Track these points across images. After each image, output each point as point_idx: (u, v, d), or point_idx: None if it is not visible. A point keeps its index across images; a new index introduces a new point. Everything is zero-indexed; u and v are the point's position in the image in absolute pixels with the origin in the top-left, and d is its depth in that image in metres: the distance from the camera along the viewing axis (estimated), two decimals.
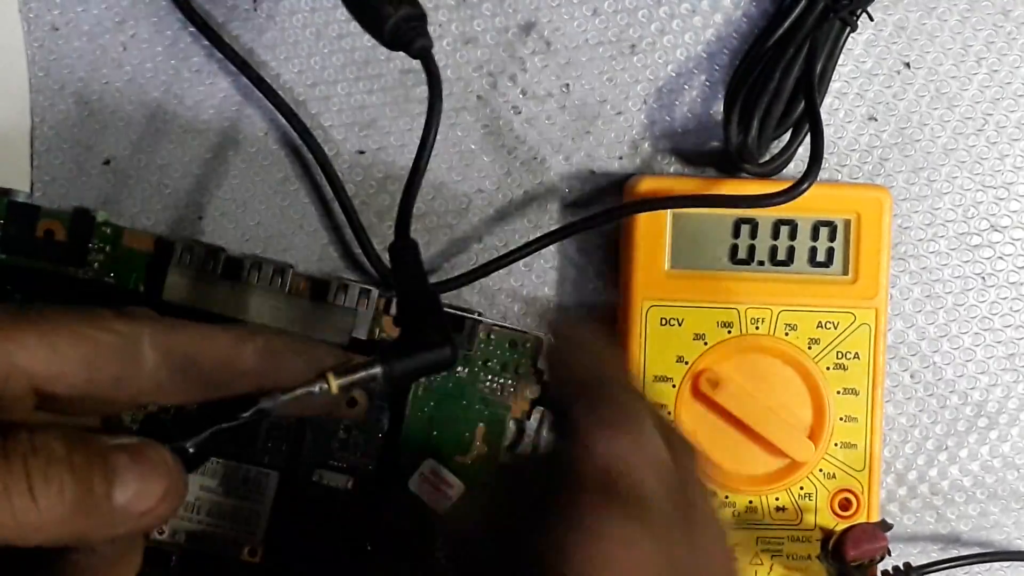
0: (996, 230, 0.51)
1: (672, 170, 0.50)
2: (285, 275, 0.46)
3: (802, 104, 0.47)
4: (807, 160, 0.45)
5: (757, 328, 0.48)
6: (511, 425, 0.48)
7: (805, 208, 0.48)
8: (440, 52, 0.50)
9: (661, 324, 0.48)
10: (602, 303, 0.50)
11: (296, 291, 0.46)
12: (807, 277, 0.48)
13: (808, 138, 0.47)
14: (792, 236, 0.48)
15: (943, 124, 0.50)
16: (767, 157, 0.48)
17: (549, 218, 0.50)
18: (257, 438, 0.46)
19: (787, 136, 0.48)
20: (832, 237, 0.48)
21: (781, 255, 0.48)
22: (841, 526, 0.47)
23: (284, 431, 0.46)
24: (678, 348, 0.48)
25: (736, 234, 0.48)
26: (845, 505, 0.48)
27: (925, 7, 0.50)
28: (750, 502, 0.48)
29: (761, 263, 0.48)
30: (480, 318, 0.47)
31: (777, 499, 0.48)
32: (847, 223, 0.48)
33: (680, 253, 0.48)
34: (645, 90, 0.50)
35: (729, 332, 0.48)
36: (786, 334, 0.48)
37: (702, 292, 0.48)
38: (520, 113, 0.50)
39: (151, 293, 0.46)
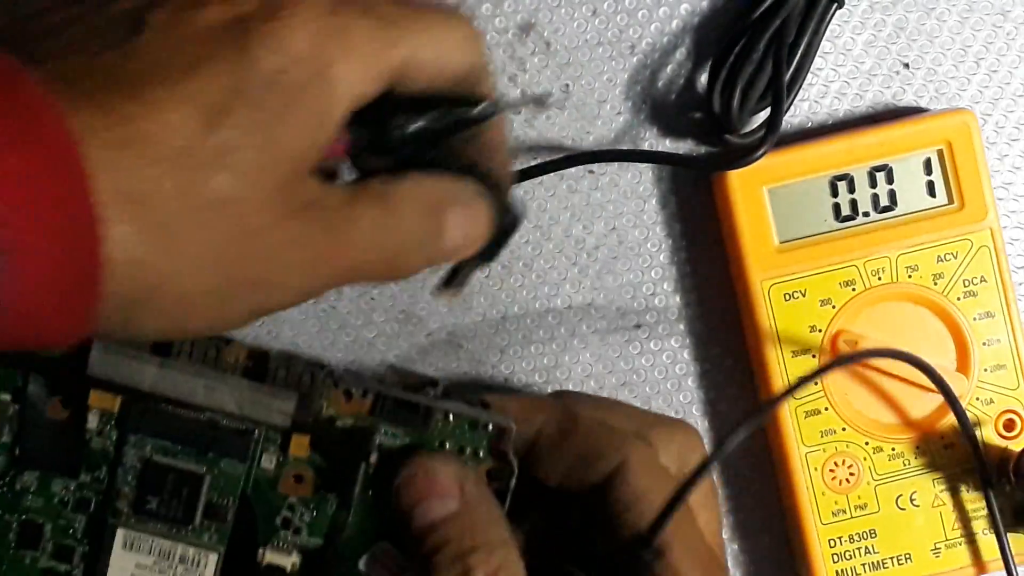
0: None
1: (672, 169, 0.50)
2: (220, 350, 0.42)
3: (787, 77, 0.47)
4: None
5: (880, 279, 0.48)
6: None
7: (894, 149, 0.48)
8: None
9: (785, 300, 0.48)
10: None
11: (232, 366, 0.42)
12: (915, 216, 0.48)
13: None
14: (889, 180, 0.48)
15: None
16: (749, 128, 0.48)
17: (549, 218, 0.50)
18: (195, 512, 0.42)
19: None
20: (928, 170, 0.48)
21: (884, 201, 0.48)
22: (1012, 447, 0.47)
23: (225, 508, 0.42)
24: (808, 319, 0.48)
25: (834, 192, 0.48)
26: (1010, 426, 0.48)
27: (924, 7, 0.50)
28: (917, 447, 0.48)
29: (867, 214, 0.48)
30: (433, 402, 0.41)
31: (942, 438, 0.48)
32: (940, 153, 0.48)
33: (785, 224, 0.48)
34: (645, 90, 0.50)
35: (854, 290, 0.48)
36: (909, 276, 0.48)
37: (816, 258, 0.48)
38: (520, 113, 0.50)
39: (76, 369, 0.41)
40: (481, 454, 0.41)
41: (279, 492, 0.42)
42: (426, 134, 0.34)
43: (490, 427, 0.41)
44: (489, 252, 0.37)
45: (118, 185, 0.28)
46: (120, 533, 0.42)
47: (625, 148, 0.50)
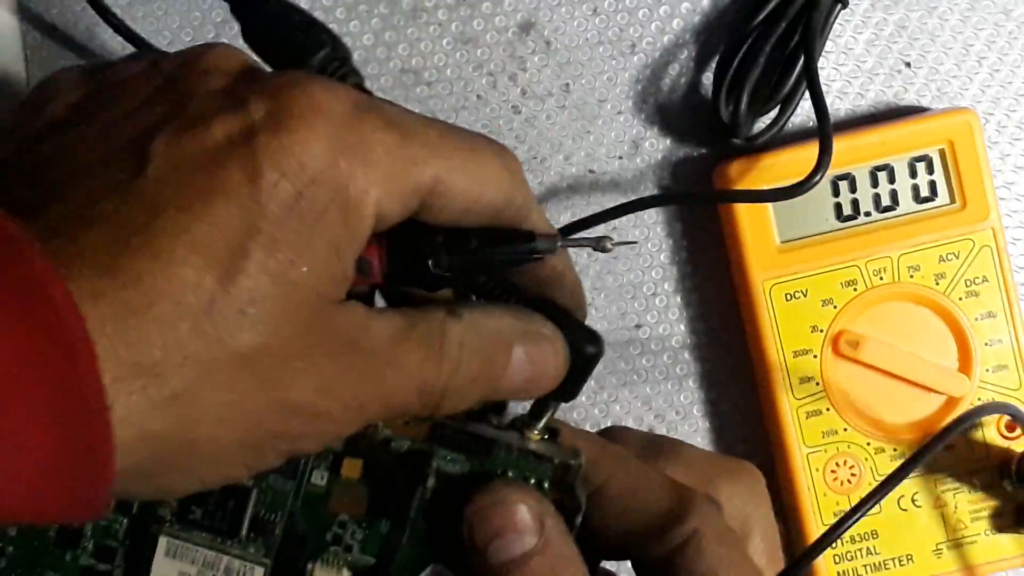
0: None
1: (673, 169, 0.50)
2: None
3: (791, 81, 0.47)
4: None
5: (881, 279, 0.47)
6: None
7: (895, 149, 0.47)
8: (440, 52, 0.50)
9: (786, 300, 0.47)
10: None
11: None
12: (917, 215, 0.48)
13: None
14: (891, 179, 0.48)
15: None
16: (753, 132, 0.48)
17: (549, 217, 0.49)
18: (241, 525, 0.41)
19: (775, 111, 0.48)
20: (930, 170, 0.48)
21: (886, 201, 0.48)
22: (1014, 447, 0.47)
23: (272, 522, 0.41)
24: (809, 319, 0.47)
25: (836, 192, 0.48)
26: (1011, 426, 0.48)
27: (926, 6, 0.50)
28: (919, 448, 0.48)
29: (868, 214, 0.48)
30: (498, 434, 0.39)
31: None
32: (941, 152, 0.48)
33: (786, 224, 0.47)
34: (645, 90, 0.50)
35: (855, 290, 0.47)
36: (911, 276, 0.48)
37: (818, 257, 0.47)
38: (520, 113, 0.50)
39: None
40: (546, 485, 0.38)
41: (330, 510, 0.40)
42: (470, 267, 0.32)
43: (557, 461, 0.38)
44: (567, 391, 0.34)
45: (129, 357, 0.25)
46: (163, 541, 0.40)
47: (670, 192, 0.50)
